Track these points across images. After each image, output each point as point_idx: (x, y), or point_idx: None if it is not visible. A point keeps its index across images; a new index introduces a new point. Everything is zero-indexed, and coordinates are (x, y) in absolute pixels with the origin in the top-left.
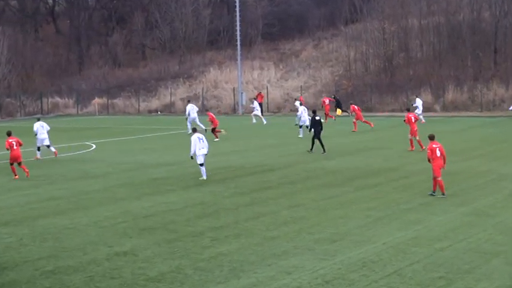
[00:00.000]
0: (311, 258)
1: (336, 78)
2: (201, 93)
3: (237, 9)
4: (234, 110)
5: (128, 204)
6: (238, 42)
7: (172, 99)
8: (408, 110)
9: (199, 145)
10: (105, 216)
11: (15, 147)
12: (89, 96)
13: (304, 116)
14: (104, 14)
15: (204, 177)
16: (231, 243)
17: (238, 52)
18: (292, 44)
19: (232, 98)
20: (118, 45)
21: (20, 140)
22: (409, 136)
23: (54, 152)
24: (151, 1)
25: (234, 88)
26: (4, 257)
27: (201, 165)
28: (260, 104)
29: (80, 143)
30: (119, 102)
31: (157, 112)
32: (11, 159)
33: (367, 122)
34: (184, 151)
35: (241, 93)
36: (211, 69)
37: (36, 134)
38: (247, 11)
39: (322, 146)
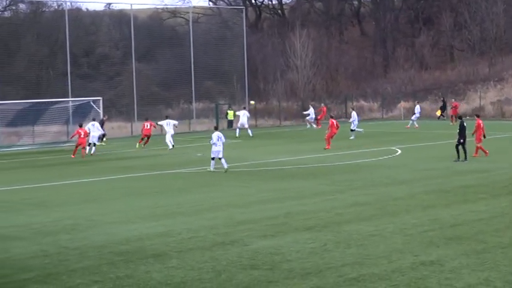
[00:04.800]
0: None
1: None
2: None
3: None
4: None
5: (436, 212)
6: None
7: (482, 103)
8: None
9: (217, 142)
10: (412, 224)
11: (147, 126)
12: (394, 100)
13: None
14: (411, 14)
15: (211, 169)
16: None
17: None
18: None
19: None
20: (425, 47)
21: (153, 123)
22: None
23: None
24: (461, 1)
25: None
26: (308, 262)
27: (212, 159)
28: None
29: (385, 148)
30: (425, 105)
31: (465, 117)
32: (144, 135)
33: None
34: (495, 158)
35: None
36: None
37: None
38: None
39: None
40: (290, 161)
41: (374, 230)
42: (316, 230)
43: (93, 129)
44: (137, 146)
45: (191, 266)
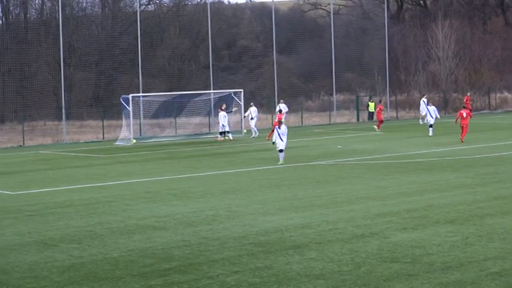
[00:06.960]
0: None
1: None
2: None
3: None
4: None
5: None
6: None
7: None
8: None
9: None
10: None
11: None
12: None
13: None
14: None
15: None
16: None
17: None
18: None
19: None
20: None
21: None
22: None
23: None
24: None
25: None
26: (449, 256)
27: (280, 151)
28: None
29: None
30: None
31: None
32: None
33: None
34: None
35: None
36: None
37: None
38: None
39: None
40: (431, 153)
41: None
42: (458, 223)
43: (224, 120)
44: (377, 130)
45: (330, 258)
